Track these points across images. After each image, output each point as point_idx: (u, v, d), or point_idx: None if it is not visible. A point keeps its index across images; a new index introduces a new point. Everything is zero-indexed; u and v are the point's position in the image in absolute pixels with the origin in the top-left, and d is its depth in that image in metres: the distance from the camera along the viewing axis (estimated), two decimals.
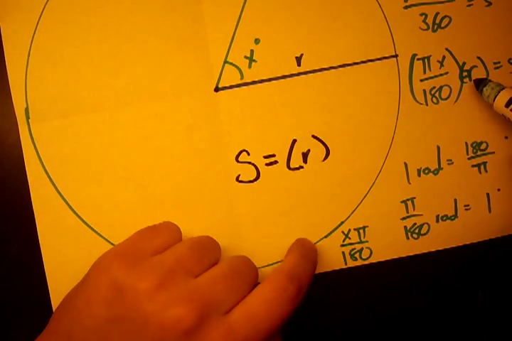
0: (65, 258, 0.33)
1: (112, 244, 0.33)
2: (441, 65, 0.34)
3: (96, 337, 0.26)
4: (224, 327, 0.26)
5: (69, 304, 0.28)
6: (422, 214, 0.34)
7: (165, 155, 0.33)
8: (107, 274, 0.27)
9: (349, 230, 0.34)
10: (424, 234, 0.34)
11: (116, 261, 0.27)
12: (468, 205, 0.34)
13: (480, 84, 0.32)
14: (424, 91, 0.34)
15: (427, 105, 0.34)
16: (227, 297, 0.27)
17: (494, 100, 0.30)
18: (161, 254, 0.28)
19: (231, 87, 0.34)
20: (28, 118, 0.33)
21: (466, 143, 0.34)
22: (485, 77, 0.34)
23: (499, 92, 0.30)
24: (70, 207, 0.33)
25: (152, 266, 0.27)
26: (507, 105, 0.29)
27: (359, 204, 0.34)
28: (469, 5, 0.34)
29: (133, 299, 0.26)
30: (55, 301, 0.33)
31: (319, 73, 0.34)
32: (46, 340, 0.27)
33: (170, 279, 0.27)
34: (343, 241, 0.34)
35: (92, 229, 0.33)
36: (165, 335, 0.25)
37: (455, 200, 0.34)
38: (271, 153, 0.34)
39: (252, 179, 0.34)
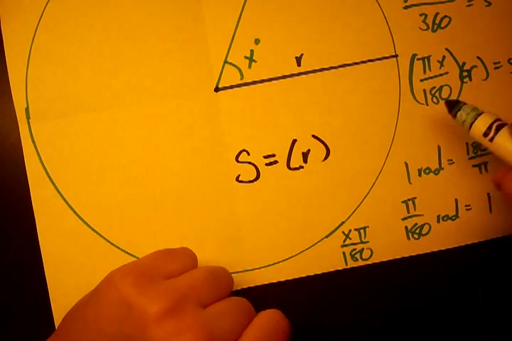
0: (65, 258, 0.33)
1: (112, 243, 0.33)
2: (441, 65, 0.34)
3: None
4: None
5: (78, 314, 0.28)
6: (422, 215, 0.34)
7: (165, 155, 0.33)
8: (119, 290, 0.26)
9: (350, 230, 0.34)
10: (425, 234, 0.34)
11: (129, 277, 0.27)
12: (469, 205, 0.34)
13: (453, 107, 0.28)
14: (425, 91, 0.34)
15: (427, 105, 0.34)
16: (234, 330, 0.27)
17: (470, 128, 0.26)
18: (175, 279, 0.28)
19: (231, 87, 0.34)
20: (28, 117, 0.33)
21: (467, 143, 0.34)
22: (484, 77, 0.34)
23: (476, 119, 0.26)
24: (70, 207, 0.33)
25: (165, 290, 0.27)
26: (485, 134, 0.25)
27: (360, 204, 0.34)
28: (469, 5, 0.34)
29: (141, 321, 0.25)
30: (55, 301, 0.33)
31: (319, 73, 0.34)
32: None
33: (180, 306, 0.26)
34: (344, 241, 0.34)
35: (92, 229, 0.33)
36: None
37: (456, 200, 0.34)
38: (271, 153, 0.34)
39: (252, 179, 0.34)
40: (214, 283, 0.29)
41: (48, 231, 0.33)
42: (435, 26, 0.34)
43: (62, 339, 0.28)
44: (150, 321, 0.25)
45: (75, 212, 0.33)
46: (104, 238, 0.33)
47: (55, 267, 0.33)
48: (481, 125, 0.26)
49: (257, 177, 0.34)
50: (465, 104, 0.28)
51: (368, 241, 0.34)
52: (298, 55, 0.34)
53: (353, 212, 0.34)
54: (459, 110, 0.27)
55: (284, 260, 0.34)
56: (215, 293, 0.28)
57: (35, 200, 0.33)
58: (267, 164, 0.34)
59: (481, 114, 0.26)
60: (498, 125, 0.26)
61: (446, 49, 0.34)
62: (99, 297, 0.27)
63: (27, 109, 0.33)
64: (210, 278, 0.28)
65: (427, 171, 0.34)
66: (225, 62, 0.34)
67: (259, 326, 0.28)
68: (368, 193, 0.34)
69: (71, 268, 0.33)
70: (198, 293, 0.27)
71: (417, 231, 0.34)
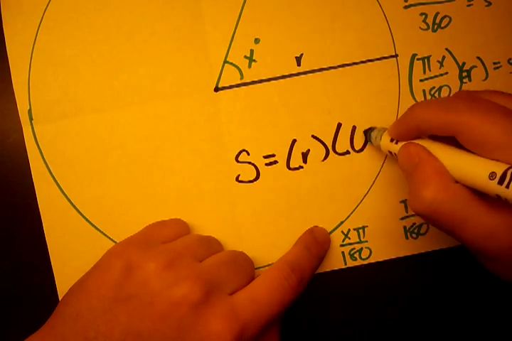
0: (71, 255, 0.34)
1: (114, 241, 0.33)
2: (441, 65, 0.34)
3: (103, 318, 0.26)
4: (228, 305, 0.27)
5: (78, 288, 0.29)
6: None
7: (165, 155, 0.33)
8: (121, 258, 0.28)
9: (349, 230, 0.34)
10: (424, 233, 0.34)
11: (130, 246, 0.29)
12: None
13: (368, 131, 0.33)
14: (424, 91, 0.34)
15: None
16: (230, 279, 0.28)
17: (381, 139, 0.32)
18: (171, 242, 0.30)
19: (231, 86, 0.34)
20: (31, 119, 0.33)
21: None
22: (484, 77, 0.34)
23: (384, 132, 0.31)
24: (74, 206, 0.34)
25: (162, 250, 0.29)
26: (391, 140, 0.30)
27: (359, 204, 0.34)
28: (469, 5, 0.34)
29: (142, 278, 0.27)
30: (62, 295, 0.33)
31: (319, 73, 0.34)
32: (53, 324, 0.28)
33: (178, 261, 0.28)
34: (343, 241, 0.34)
35: (96, 228, 0.34)
36: (172, 311, 0.26)
37: None
38: (271, 153, 0.34)
39: (252, 179, 0.34)
40: (206, 244, 0.31)
41: (54, 230, 0.34)
42: (435, 26, 0.34)
43: (61, 315, 0.28)
44: (150, 276, 0.27)
45: (78, 211, 0.34)
46: (107, 236, 0.34)
47: (61, 264, 0.34)
48: (387, 135, 0.31)
49: (257, 177, 0.34)
50: (376, 127, 0.33)
51: (366, 241, 0.34)
52: (298, 55, 0.34)
53: (352, 212, 0.34)
54: (372, 131, 0.33)
55: None
56: (208, 252, 0.30)
57: (40, 200, 0.33)
58: (266, 164, 0.34)
59: (386, 129, 0.32)
60: None
61: (446, 49, 0.34)
62: (101, 268, 0.29)
63: (29, 111, 0.33)
64: (202, 240, 0.31)
65: None
66: (225, 61, 0.34)
67: (259, 280, 0.29)
68: (367, 193, 0.34)
69: (77, 264, 0.33)
70: (192, 252, 0.29)
71: (416, 230, 0.34)
